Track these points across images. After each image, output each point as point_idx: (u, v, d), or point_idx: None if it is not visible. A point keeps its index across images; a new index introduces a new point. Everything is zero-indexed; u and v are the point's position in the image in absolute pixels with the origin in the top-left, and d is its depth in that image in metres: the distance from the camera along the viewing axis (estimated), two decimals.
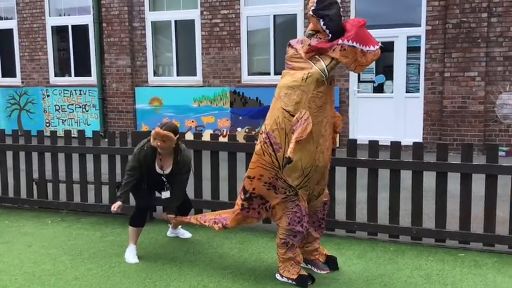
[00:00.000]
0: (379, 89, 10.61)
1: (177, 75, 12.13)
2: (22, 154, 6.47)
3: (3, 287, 4.12)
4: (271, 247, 4.81)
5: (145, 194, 4.82)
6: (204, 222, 4.48)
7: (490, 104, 9.78)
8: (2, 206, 6.58)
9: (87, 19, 12.70)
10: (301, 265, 4.21)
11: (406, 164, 4.99)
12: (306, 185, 4.05)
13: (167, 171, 4.72)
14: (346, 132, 10.62)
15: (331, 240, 5.09)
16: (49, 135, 6.33)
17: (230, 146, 5.62)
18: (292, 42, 4.06)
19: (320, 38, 3.88)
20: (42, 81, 13.26)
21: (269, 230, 5.31)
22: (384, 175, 5.14)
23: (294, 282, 4.07)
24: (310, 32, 3.96)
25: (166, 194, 4.80)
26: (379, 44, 3.85)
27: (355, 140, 5.25)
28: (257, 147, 4.02)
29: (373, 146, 5.10)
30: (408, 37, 10.26)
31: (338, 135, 5.83)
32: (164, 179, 4.74)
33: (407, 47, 10.28)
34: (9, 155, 6.54)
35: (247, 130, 11.28)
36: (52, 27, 13.13)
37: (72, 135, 6.30)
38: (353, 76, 10.49)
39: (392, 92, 10.47)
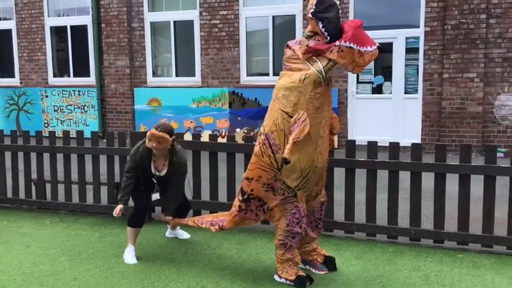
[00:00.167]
0: (377, 90, 10.62)
1: (176, 75, 12.13)
2: (21, 154, 6.46)
3: None
4: (270, 248, 4.81)
5: (143, 194, 4.81)
6: (201, 224, 4.48)
7: (488, 105, 9.80)
8: (0, 206, 6.57)
9: (86, 20, 12.70)
10: (300, 266, 4.22)
11: (405, 165, 4.99)
12: (305, 186, 4.05)
13: (163, 172, 4.71)
14: (344, 133, 10.63)
15: (329, 240, 5.10)
16: (48, 135, 6.32)
17: (229, 147, 5.62)
18: (290, 43, 4.06)
19: (318, 40, 3.89)
20: (41, 81, 13.25)
21: (267, 231, 5.31)
22: (383, 176, 5.14)
23: (292, 283, 4.07)
24: (308, 33, 3.97)
25: (155, 196, 4.79)
26: (377, 44, 3.85)
27: (354, 141, 5.25)
28: (256, 149, 4.02)
29: (372, 146, 5.11)
30: (407, 38, 10.27)
31: (336, 136, 5.84)
32: (155, 181, 4.73)
33: (406, 48, 10.29)
34: (8, 155, 6.53)
35: (246, 131, 11.28)
36: (51, 27, 13.12)
37: (71, 136, 6.29)
38: (352, 77, 10.50)
39: (391, 93, 10.48)
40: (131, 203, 4.85)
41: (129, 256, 4.67)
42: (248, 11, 11.34)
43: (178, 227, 5.32)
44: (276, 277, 4.18)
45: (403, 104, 10.38)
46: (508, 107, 9.71)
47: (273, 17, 11.19)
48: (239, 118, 11.40)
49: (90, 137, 6.20)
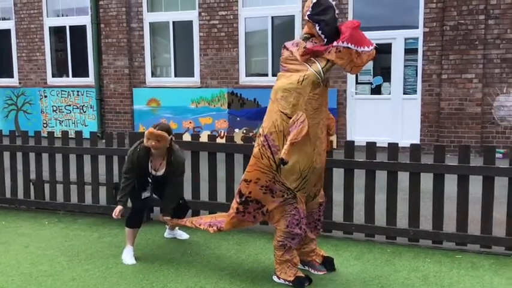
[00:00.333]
0: (376, 90, 10.62)
1: (175, 76, 12.13)
2: (19, 155, 6.45)
3: None
4: (269, 248, 4.81)
5: (141, 195, 4.80)
6: (199, 225, 4.48)
7: (487, 106, 9.81)
8: None
9: (85, 20, 12.69)
10: (298, 266, 4.22)
11: (404, 166, 4.99)
12: (304, 187, 4.05)
13: (160, 172, 4.71)
14: (343, 133, 10.64)
15: (328, 241, 5.10)
16: (46, 136, 6.31)
17: (228, 147, 5.62)
18: (288, 44, 4.06)
19: (316, 42, 3.90)
20: (40, 81, 13.24)
21: (266, 232, 5.31)
22: (381, 177, 5.14)
23: (290, 284, 4.07)
24: (305, 35, 3.97)
25: (145, 194, 4.78)
26: (374, 44, 3.86)
27: (353, 142, 5.25)
28: (255, 150, 4.02)
29: (371, 147, 5.11)
30: (406, 39, 10.27)
31: (335, 136, 5.84)
32: (150, 180, 4.72)
33: (405, 49, 10.29)
34: (7, 155, 6.53)
35: (244, 131, 11.29)
36: (50, 27, 13.11)
37: (70, 136, 6.29)
38: (351, 78, 10.49)
39: (389, 94, 10.49)
40: (130, 203, 4.85)
41: (128, 256, 4.67)
42: (247, 12, 11.34)
43: (177, 228, 5.32)
44: (275, 278, 4.18)
45: (402, 105, 10.39)
46: (506, 108, 9.73)
47: (272, 17, 11.19)
48: (238, 118, 11.40)
49: (89, 137, 6.20)
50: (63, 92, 12.89)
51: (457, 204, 4.89)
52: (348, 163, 5.15)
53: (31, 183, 6.49)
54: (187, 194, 5.63)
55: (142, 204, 4.82)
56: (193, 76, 11.90)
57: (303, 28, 11.27)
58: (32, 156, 6.39)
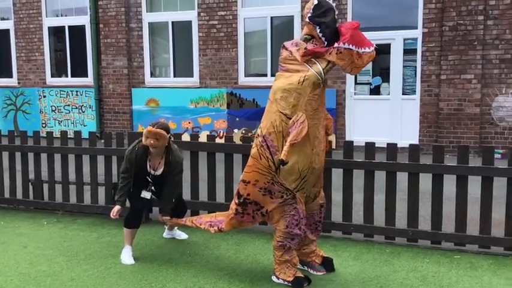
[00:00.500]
0: (375, 91, 10.63)
1: (174, 76, 12.13)
2: (18, 155, 6.45)
3: None
4: (268, 249, 4.81)
5: (140, 195, 4.79)
6: (200, 224, 4.48)
7: (486, 106, 9.82)
8: None
9: (84, 20, 12.69)
10: (298, 267, 4.21)
11: (403, 166, 5.00)
12: (303, 188, 4.05)
13: (159, 171, 4.70)
14: (342, 134, 10.64)
15: (327, 241, 5.10)
16: (45, 136, 6.31)
17: (227, 148, 5.62)
18: (287, 44, 4.06)
19: (316, 44, 3.89)
20: (39, 81, 13.24)
21: (265, 232, 5.31)
22: (380, 177, 5.15)
23: (290, 284, 4.07)
24: (306, 36, 3.96)
25: (146, 195, 4.75)
26: (374, 45, 3.87)
27: (352, 142, 5.26)
28: (253, 151, 4.01)
29: (370, 147, 5.11)
30: (405, 39, 10.28)
31: (334, 137, 5.81)
32: (150, 180, 4.72)
33: (404, 49, 10.30)
34: (5, 155, 6.53)
35: (244, 131, 11.29)
36: (49, 27, 13.10)
37: (69, 136, 6.28)
38: (350, 78, 10.50)
39: (388, 94, 10.49)
40: (128, 203, 4.85)
41: (126, 256, 4.67)
42: (246, 12, 11.34)
43: (175, 228, 5.32)
44: (274, 278, 4.18)
45: (401, 105, 10.39)
46: (505, 109, 9.73)
47: (271, 17, 11.19)
48: (237, 119, 11.40)
49: (87, 137, 6.20)
50: (62, 92, 12.88)
51: (455, 204, 4.89)
52: (347, 163, 5.15)
53: (30, 183, 6.48)
54: (186, 194, 5.63)
55: (140, 204, 4.81)
56: (192, 76, 11.89)
57: (302, 28, 11.25)
58: (30, 156, 6.39)
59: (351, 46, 3.74)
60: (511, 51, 9.59)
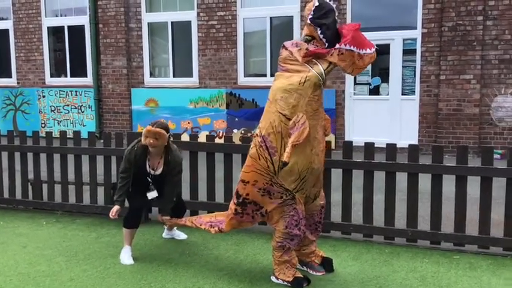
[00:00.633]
0: (375, 91, 10.63)
1: (173, 76, 12.13)
2: (17, 155, 6.45)
3: None
4: (267, 249, 4.81)
5: (138, 195, 4.77)
6: (200, 225, 4.47)
7: (485, 106, 9.82)
8: None
9: (84, 20, 12.69)
10: (297, 267, 4.21)
11: (402, 166, 5.00)
12: (303, 188, 4.05)
13: (158, 171, 4.70)
14: (342, 134, 10.65)
15: (326, 241, 5.10)
16: (44, 136, 6.31)
17: (226, 148, 5.62)
18: (287, 44, 4.05)
19: (317, 46, 3.89)
20: (38, 81, 13.23)
21: (265, 232, 5.31)
22: (380, 177, 5.15)
23: (289, 285, 4.07)
24: (306, 37, 3.95)
25: (152, 194, 4.75)
26: (375, 46, 3.87)
27: (351, 142, 5.26)
28: (252, 151, 4.00)
29: (369, 148, 5.11)
30: (404, 40, 10.29)
31: (334, 137, 5.79)
32: (150, 180, 4.72)
33: (403, 50, 10.31)
34: (4, 155, 6.52)
35: (243, 132, 11.29)
36: (48, 27, 13.10)
37: (68, 136, 6.28)
38: (349, 78, 10.51)
39: (388, 95, 10.50)
40: (127, 203, 4.84)
41: (126, 257, 4.66)
42: (246, 12, 11.35)
43: (175, 228, 5.31)
44: (273, 278, 4.18)
45: (400, 106, 10.40)
46: (504, 109, 9.74)
47: (271, 18, 11.20)
48: (236, 119, 11.40)
49: (87, 137, 6.20)
50: (61, 92, 12.88)
51: (455, 204, 4.90)
52: (346, 163, 5.15)
53: (29, 183, 6.48)
54: (186, 194, 5.63)
55: (139, 204, 4.80)
56: (191, 76, 11.89)
57: (301, 29, 11.23)
58: (30, 156, 6.38)
59: (352, 47, 3.75)
60: (510, 52, 9.60)
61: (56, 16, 13.16)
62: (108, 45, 12.31)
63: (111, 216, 4.64)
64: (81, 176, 6.17)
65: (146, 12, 12.14)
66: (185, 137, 6.24)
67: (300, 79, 3.83)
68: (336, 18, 3.93)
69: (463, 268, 4.47)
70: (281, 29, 11.34)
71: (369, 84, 10.62)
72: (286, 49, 4.01)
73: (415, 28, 10.18)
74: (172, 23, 11.98)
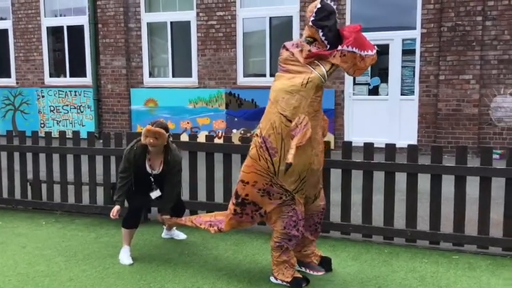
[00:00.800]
0: (374, 91, 10.64)
1: (173, 76, 12.13)
2: (16, 155, 6.44)
3: None
4: (266, 249, 4.81)
5: (138, 195, 4.77)
6: (200, 224, 4.47)
7: (484, 107, 9.83)
8: None
9: (83, 20, 12.68)
10: (295, 268, 4.21)
11: (401, 166, 5.00)
12: (302, 189, 4.05)
13: (157, 171, 4.70)
14: (341, 134, 10.65)
15: (325, 242, 5.10)
16: (44, 136, 6.31)
17: (225, 148, 5.62)
18: (287, 44, 4.05)
19: (319, 47, 3.89)
20: (37, 81, 13.22)
21: (264, 232, 5.31)
22: (379, 177, 5.15)
23: (288, 285, 4.07)
24: (308, 38, 3.94)
25: (155, 194, 4.75)
26: (376, 48, 3.89)
27: (350, 142, 5.26)
28: (252, 151, 3.99)
29: (368, 148, 5.12)
30: (403, 40, 10.29)
31: (333, 137, 5.77)
32: (152, 179, 4.72)
33: (403, 50, 10.31)
34: (4, 155, 6.52)
35: (242, 132, 11.29)
36: (47, 27, 13.09)
37: (67, 136, 6.28)
38: (348, 78, 10.51)
39: (387, 95, 10.50)
40: (127, 203, 4.84)
41: (125, 256, 4.66)
42: (245, 12, 11.35)
43: (174, 228, 5.31)
44: (272, 278, 4.18)
45: (400, 106, 10.40)
46: (503, 109, 9.75)
47: (270, 18, 11.20)
48: (236, 119, 11.40)
49: (86, 137, 6.19)
50: (60, 92, 12.87)
51: (454, 205, 4.90)
52: (346, 164, 5.15)
53: (28, 183, 6.48)
54: (185, 195, 5.62)
55: (138, 205, 4.80)
56: (191, 76, 11.89)
57: (301, 29, 11.25)
58: (29, 156, 6.38)
59: (354, 49, 3.76)
60: (509, 52, 9.61)
61: (55, 16, 13.16)
62: (108, 45, 12.30)
63: (111, 216, 4.63)
64: (81, 176, 6.16)
65: (145, 12, 12.14)
66: (184, 137, 6.24)
67: (303, 80, 3.82)
68: (337, 20, 3.94)
69: (462, 268, 4.47)
70: (280, 29, 11.34)
71: (368, 84, 10.62)
72: (287, 50, 4.01)
73: (415, 28, 10.19)
74: (171, 23, 11.98)
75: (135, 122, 12.23)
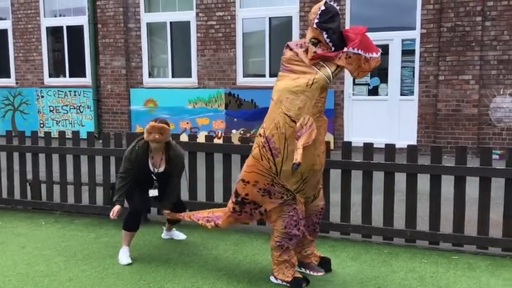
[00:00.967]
0: (373, 91, 10.64)
1: (172, 76, 12.13)
2: (16, 155, 6.44)
3: None
4: (266, 249, 4.81)
5: (139, 196, 4.76)
6: (197, 220, 4.49)
7: (484, 107, 9.84)
8: None
9: (82, 20, 12.68)
10: (295, 268, 4.21)
11: (401, 167, 5.00)
12: (303, 189, 4.05)
13: (161, 169, 4.70)
14: (341, 134, 10.65)
15: (325, 242, 5.10)
16: (43, 136, 6.30)
17: (225, 148, 5.62)
18: (291, 44, 4.04)
19: (323, 49, 3.89)
20: (37, 82, 13.22)
21: (264, 232, 5.31)
22: (379, 177, 5.15)
23: (288, 285, 4.07)
24: (313, 40, 3.93)
25: (154, 192, 4.76)
26: (380, 50, 3.90)
27: (350, 143, 5.26)
28: (255, 151, 3.99)
29: (368, 148, 5.12)
30: (403, 40, 10.30)
31: (332, 137, 5.75)
32: (154, 178, 4.72)
33: (402, 50, 10.32)
34: (3, 155, 6.52)
35: (242, 132, 11.29)
36: (47, 28, 13.09)
37: (67, 137, 6.28)
38: (348, 79, 10.52)
39: (387, 95, 10.51)
40: (127, 204, 4.83)
41: (124, 257, 4.65)
42: (245, 13, 11.35)
43: (174, 228, 5.31)
44: (272, 278, 4.18)
45: (399, 106, 10.41)
46: (503, 109, 9.75)
47: (270, 18, 11.20)
48: (235, 119, 11.40)
49: (86, 137, 6.19)
50: (60, 92, 12.87)
51: (453, 205, 4.90)
52: (345, 164, 5.15)
53: (28, 183, 6.47)
54: (185, 195, 5.62)
55: (139, 206, 4.77)
56: (190, 77, 11.89)
57: (300, 29, 11.25)
58: (28, 156, 6.38)
59: (359, 51, 3.77)
60: (508, 52, 9.62)
61: (55, 16, 13.16)
62: (107, 45, 12.30)
63: (111, 216, 4.63)
64: (80, 176, 6.16)
65: (145, 12, 12.14)
66: (184, 138, 6.24)
67: (308, 81, 3.82)
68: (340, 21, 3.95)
69: (461, 268, 4.48)
70: (280, 29, 11.35)
71: (368, 84, 10.63)
72: (291, 49, 4.00)
73: (414, 29, 10.19)
74: (171, 23, 11.98)
75: (134, 122, 12.23)
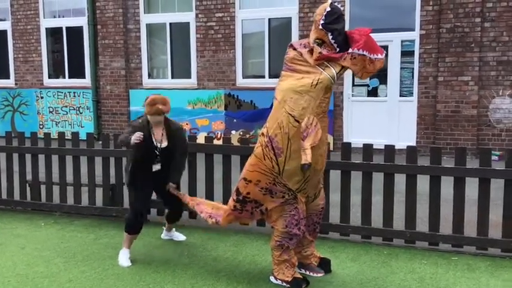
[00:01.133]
0: (373, 92, 10.64)
1: (172, 77, 12.12)
2: (15, 156, 6.44)
3: None
4: (266, 250, 4.81)
5: (143, 195, 4.74)
6: (200, 212, 4.50)
7: (483, 108, 9.84)
8: None
9: (82, 21, 12.68)
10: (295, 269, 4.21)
11: (400, 168, 5.01)
12: (305, 188, 4.06)
13: (164, 144, 4.73)
14: (340, 135, 10.65)
15: (325, 243, 5.10)
16: (43, 137, 6.30)
17: (224, 149, 5.63)
18: (295, 44, 4.04)
19: (328, 50, 3.89)
20: (36, 82, 13.21)
21: (263, 233, 5.31)
22: (378, 178, 5.16)
23: (288, 285, 4.07)
24: (317, 40, 3.93)
25: (156, 167, 4.76)
26: (384, 52, 3.92)
27: (349, 144, 5.26)
28: (257, 150, 3.99)
29: (367, 149, 5.12)
30: (402, 41, 10.30)
31: (332, 138, 5.74)
32: (157, 152, 4.72)
33: (401, 51, 10.32)
34: (3, 156, 6.52)
35: (241, 133, 11.29)
36: (46, 28, 13.09)
37: (66, 138, 6.28)
38: (347, 80, 10.52)
39: (386, 96, 10.51)
40: (127, 204, 4.81)
41: (124, 259, 4.65)
42: (244, 14, 11.35)
43: (173, 229, 5.31)
44: (272, 278, 4.18)
45: (398, 107, 10.41)
46: (502, 110, 9.76)
47: (269, 19, 11.19)
48: (235, 120, 11.40)
49: (85, 138, 6.19)
50: (59, 93, 12.86)
51: (453, 206, 4.90)
52: (345, 165, 5.16)
53: (27, 184, 6.47)
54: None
55: (142, 207, 4.73)
56: (190, 78, 11.89)
57: (300, 30, 11.23)
58: (28, 157, 6.37)
59: (364, 52, 3.79)
60: (508, 54, 9.62)
61: (54, 17, 13.15)
62: (107, 46, 12.30)
63: (134, 140, 4.49)
64: (80, 177, 6.16)
65: (144, 13, 12.14)
66: None
67: (312, 81, 3.82)
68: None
69: (461, 269, 4.48)
70: (280, 30, 11.35)
71: (367, 85, 10.63)
72: (294, 49, 4.00)
73: (413, 30, 10.20)
74: (170, 24, 11.98)
75: None
